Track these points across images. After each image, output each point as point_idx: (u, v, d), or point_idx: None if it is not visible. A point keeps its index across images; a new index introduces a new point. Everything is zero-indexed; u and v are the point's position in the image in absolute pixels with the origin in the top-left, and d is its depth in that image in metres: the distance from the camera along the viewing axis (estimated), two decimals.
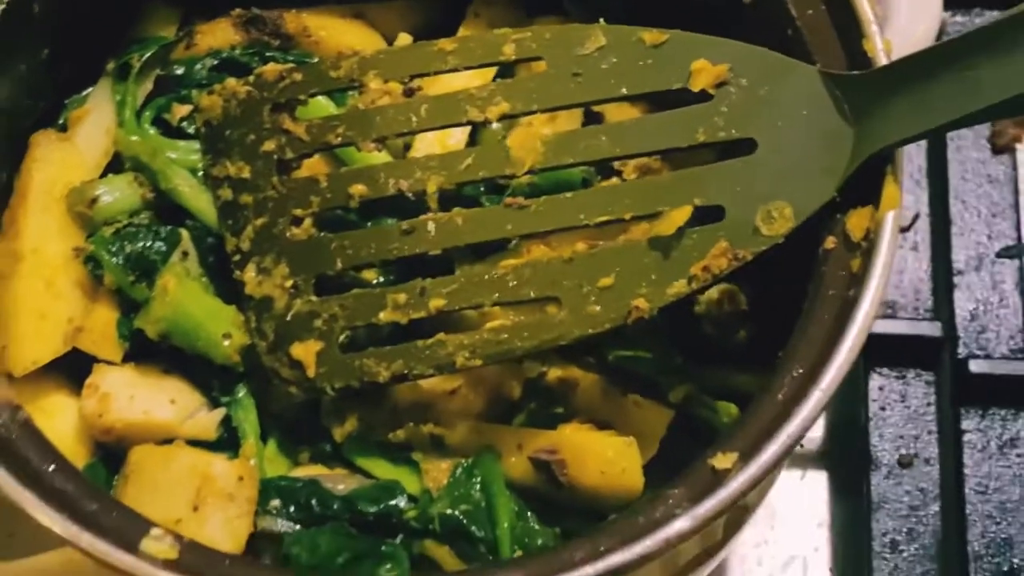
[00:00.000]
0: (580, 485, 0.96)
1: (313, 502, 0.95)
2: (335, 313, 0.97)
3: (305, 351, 0.97)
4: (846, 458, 1.25)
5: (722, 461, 0.84)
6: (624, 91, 0.96)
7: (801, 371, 0.86)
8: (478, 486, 0.96)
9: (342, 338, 0.97)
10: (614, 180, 1.01)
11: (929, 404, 1.20)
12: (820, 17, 0.96)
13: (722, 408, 0.99)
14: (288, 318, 0.97)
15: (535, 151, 0.96)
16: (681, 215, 0.92)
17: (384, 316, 0.96)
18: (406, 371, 0.96)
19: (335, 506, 0.95)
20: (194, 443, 1.00)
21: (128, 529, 0.83)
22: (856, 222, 0.90)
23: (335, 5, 1.14)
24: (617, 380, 1.02)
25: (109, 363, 1.00)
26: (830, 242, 0.91)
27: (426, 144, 1.07)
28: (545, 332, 0.94)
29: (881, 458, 1.17)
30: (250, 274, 0.99)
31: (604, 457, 0.95)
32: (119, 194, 1.03)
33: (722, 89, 0.93)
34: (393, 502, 0.95)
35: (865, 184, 0.90)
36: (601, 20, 0.98)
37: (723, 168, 0.93)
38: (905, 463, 1.17)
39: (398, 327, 0.97)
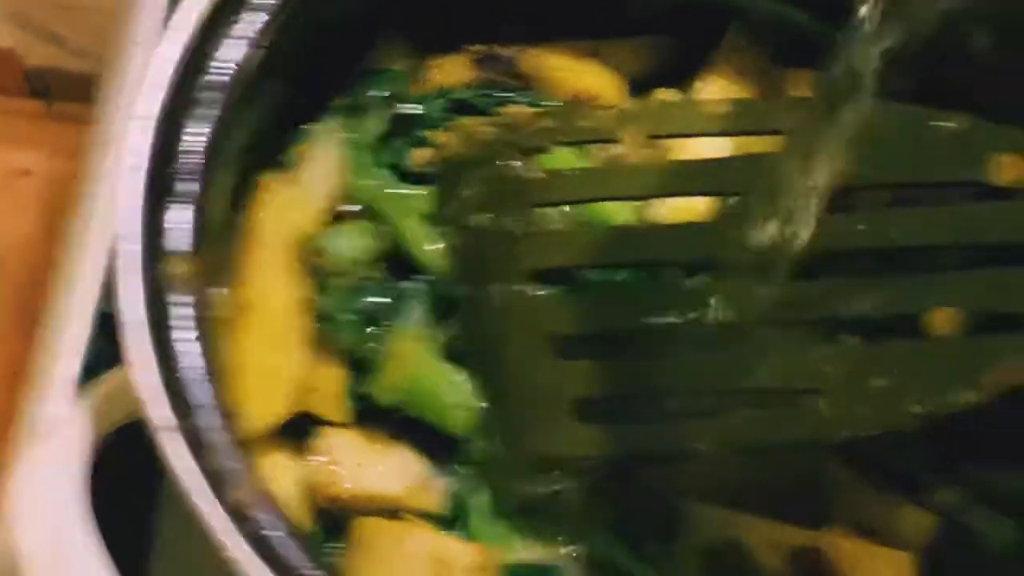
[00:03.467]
0: None
1: None
2: (574, 379, 0.91)
3: (539, 417, 0.91)
4: None
5: None
6: (911, 177, 0.90)
7: None
8: None
9: (582, 407, 0.91)
10: None
11: None
12: None
13: (997, 521, 0.92)
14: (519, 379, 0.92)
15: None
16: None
17: (630, 387, 0.91)
18: (650, 450, 0.91)
19: None
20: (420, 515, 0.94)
21: None
22: None
23: (570, 41, 1.07)
24: (868, 472, 0.95)
25: (334, 425, 0.94)
26: None
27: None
28: (807, 427, 0.88)
29: None
30: None
31: (876, 571, 0.90)
32: (352, 244, 0.98)
33: None
34: None
35: None
36: None
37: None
38: None
39: (636, 406, 0.92)
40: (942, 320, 0.85)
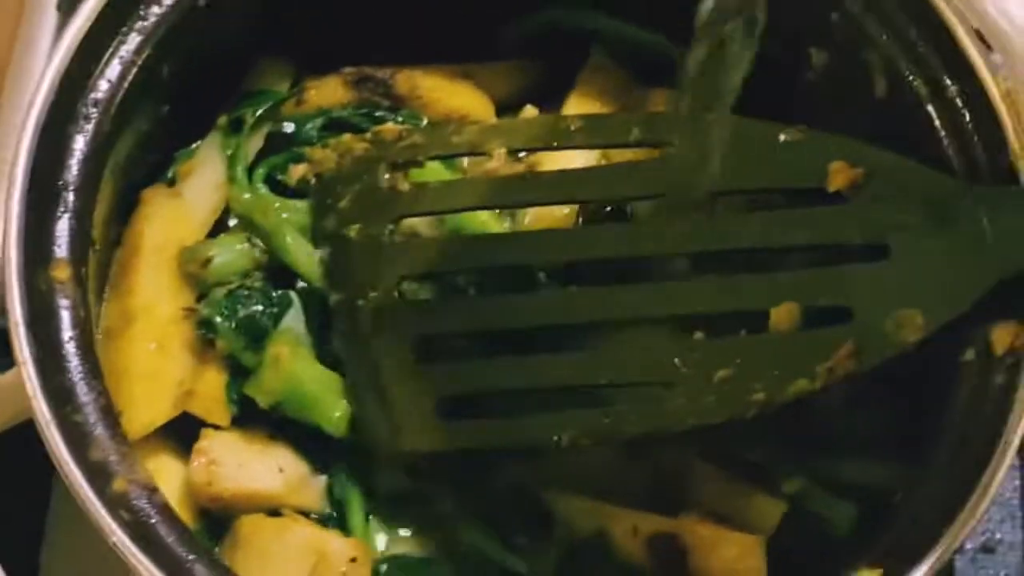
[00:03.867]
0: None
1: None
2: (437, 378, 0.96)
3: (404, 416, 0.95)
4: None
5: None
6: (756, 184, 0.95)
7: (944, 488, 0.85)
8: None
9: (442, 404, 0.95)
10: None
11: (1015, 489, 1.20)
12: (959, 120, 0.94)
13: (839, 506, 0.98)
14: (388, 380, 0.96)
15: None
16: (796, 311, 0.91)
17: (489, 386, 0.96)
18: (508, 444, 0.95)
19: None
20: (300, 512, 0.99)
21: None
22: (1000, 336, 0.89)
23: (443, 64, 1.13)
24: (724, 463, 1.01)
25: (216, 427, 0.99)
26: (969, 353, 0.90)
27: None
28: (657, 418, 0.93)
29: (964, 542, 1.17)
30: None
31: (729, 554, 0.95)
32: (232, 255, 1.02)
33: (857, 192, 0.92)
34: None
35: (1012, 295, 0.88)
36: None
37: (854, 271, 0.92)
38: (989, 548, 1.17)
39: (499, 398, 0.96)
40: (781, 315, 0.91)
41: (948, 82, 0.95)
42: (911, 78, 0.96)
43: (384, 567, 0.96)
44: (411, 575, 0.96)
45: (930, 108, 0.96)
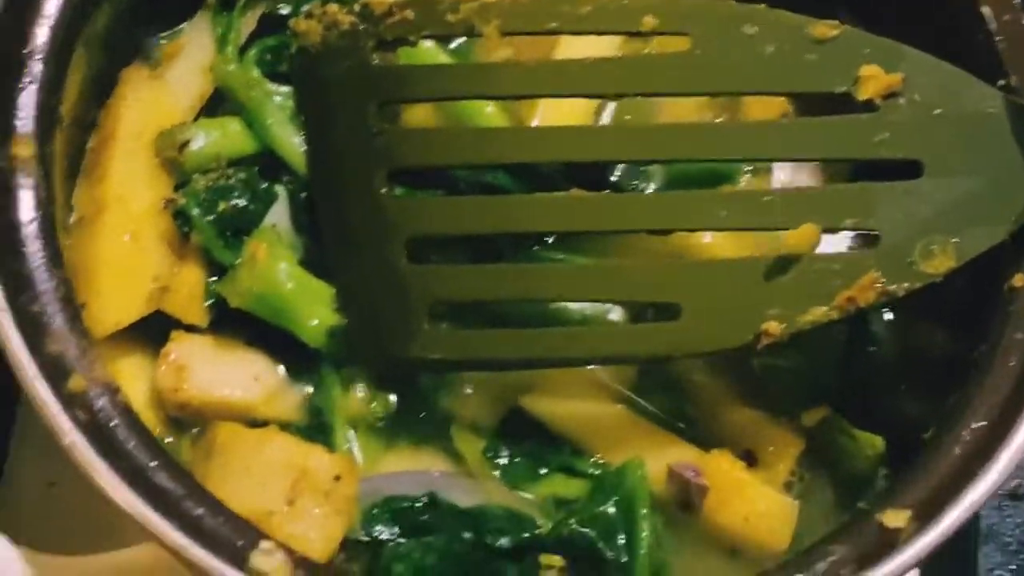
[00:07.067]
0: (713, 519, 0.88)
1: (425, 517, 0.87)
2: (431, 281, 0.88)
3: (396, 320, 0.88)
4: None
5: (893, 519, 0.76)
6: (779, 87, 0.88)
7: (984, 423, 0.78)
8: (617, 503, 0.86)
9: (436, 310, 0.88)
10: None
11: None
12: (1018, 26, 0.86)
13: (864, 439, 0.90)
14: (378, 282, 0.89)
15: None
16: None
17: (485, 295, 0.88)
18: (506, 357, 0.88)
19: (451, 520, 0.86)
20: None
21: (236, 539, 0.75)
22: None
23: None
24: (749, 393, 0.93)
25: (190, 329, 0.91)
26: (1018, 280, 0.82)
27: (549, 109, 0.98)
28: (662, 343, 0.86)
29: None
30: None
31: (753, 506, 0.87)
32: (212, 139, 0.94)
33: (890, 101, 0.84)
34: (527, 534, 0.86)
35: None
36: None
37: (883, 189, 0.84)
38: (1018, 495, 1.11)
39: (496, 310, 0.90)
40: (799, 236, 0.83)
41: None
42: None
43: (375, 511, 0.88)
44: (412, 505, 0.88)
45: (985, 9, 0.87)
